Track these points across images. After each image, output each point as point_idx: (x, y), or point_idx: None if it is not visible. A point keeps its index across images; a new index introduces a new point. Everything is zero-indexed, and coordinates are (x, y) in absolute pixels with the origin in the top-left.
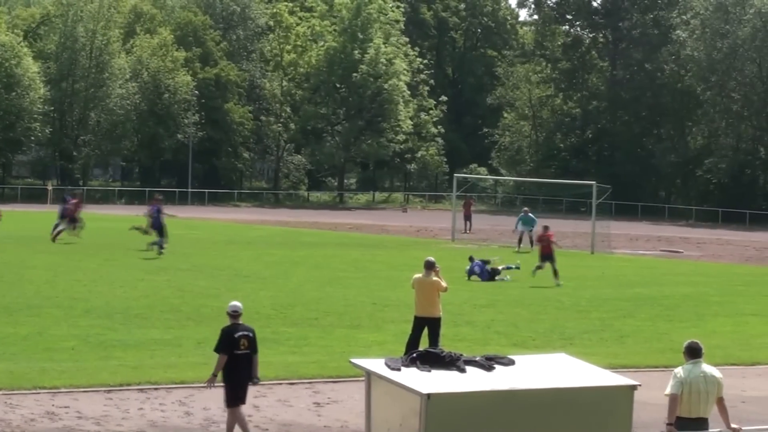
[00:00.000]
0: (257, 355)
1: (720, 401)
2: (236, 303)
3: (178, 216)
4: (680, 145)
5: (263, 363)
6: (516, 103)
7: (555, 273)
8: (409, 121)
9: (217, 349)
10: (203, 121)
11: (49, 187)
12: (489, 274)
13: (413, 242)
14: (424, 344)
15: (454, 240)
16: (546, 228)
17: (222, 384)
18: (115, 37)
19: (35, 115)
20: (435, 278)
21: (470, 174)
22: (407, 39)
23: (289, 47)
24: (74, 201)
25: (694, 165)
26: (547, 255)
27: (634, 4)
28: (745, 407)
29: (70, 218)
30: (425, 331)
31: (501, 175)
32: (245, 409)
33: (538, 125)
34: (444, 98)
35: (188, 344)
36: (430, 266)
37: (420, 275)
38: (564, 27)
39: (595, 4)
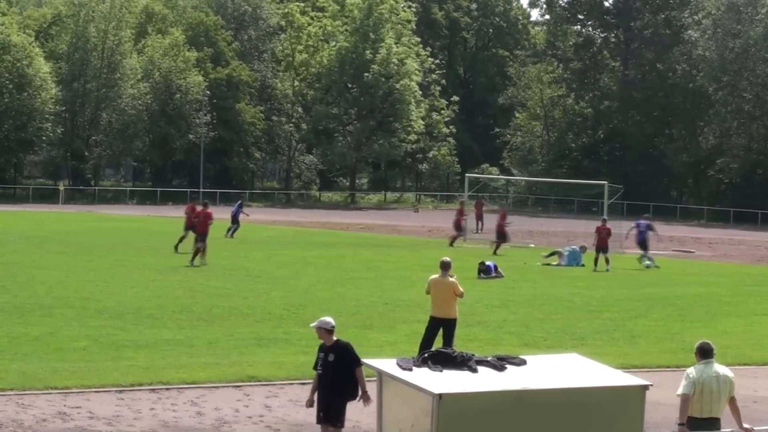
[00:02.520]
0: None
1: (732, 401)
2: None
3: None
4: (692, 145)
5: (275, 363)
6: (527, 103)
7: (607, 261)
8: (420, 121)
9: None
10: (215, 121)
11: (61, 188)
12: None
13: (425, 242)
14: (437, 345)
15: (465, 240)
16: (605, 221)
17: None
18: (127, 37)
19: (47, 116)
20: (452, 279)
21: (482, 174)
22: (419, 39)
23: (300, 47)
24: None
25: (706, 165)
26: (603, 247)
27: (645, 4)
28: (757, 407)
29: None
30: (439, 331)
31: (512, 175)
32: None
33: (549, 125)
34: (455, 98)
35: (200, 344)
36: (446, 266)
37: (436, 276)
38: (576, 27)
39: (606, 4)
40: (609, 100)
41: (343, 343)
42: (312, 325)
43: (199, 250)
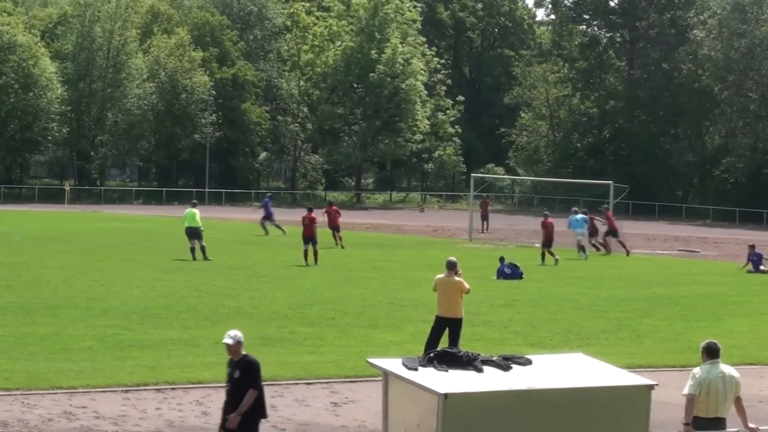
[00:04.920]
0: None
1: (738, 401)
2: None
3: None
4: (697, 145)
5: (280, 363)
6: (533, 102)
7: (551, 255)
8: (426, 121)
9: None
10: (220, 121)
11: (67, 188)
12: (520, 273)
13: (430, 242)
14: (443, 345)
15: (471, 240)
16: (546, 215)
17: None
18: (132, 37)
19: (52, 115)
20: (457, 278)
21: (487, 174)
22: (424, 39)
23: (306, 47)
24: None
25: (712, 165)
26: (549, 241)
27: (651, 4)
28: (763, 407)
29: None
30: (445, 331)
31: (518, 174)
32: None
33: (555, 125)
34: (461, 98)
35: (205, 344)
36: (452, 266)
37: (442, 275)
38: (581, 27)
39: (612, 3)
40: (614, 100)
41: (249, 360)
42: (224, 339)
43: (308, 252)
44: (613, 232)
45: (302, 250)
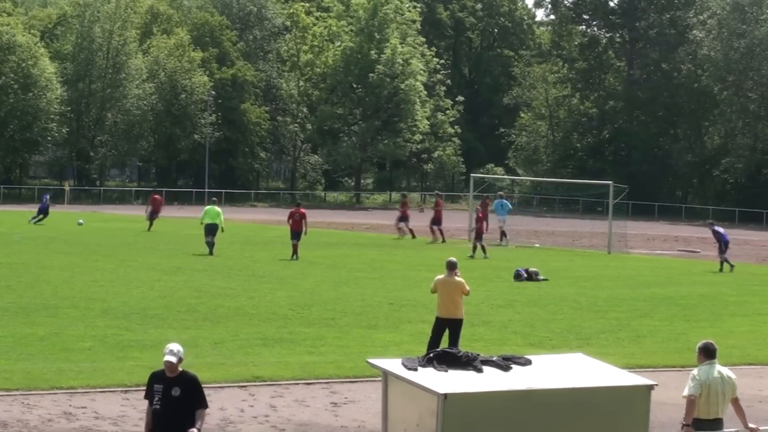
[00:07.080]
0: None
1: (736, 402)
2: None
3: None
4: (697, 145)
5: (280, 363)
6: (533, 103)
7: (483, 249)
8: (425, 121)
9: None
10: (220, 121)
11: (66, 188)
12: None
13: (430, 242)
14: (443, 345)
15: (470, 240)
16: (478, 210)
17: None
18: (132, 37)
19: (52, 116)
20: (458, 279)
21: (487, 174)
22: (424, 39)
23: (305, 47)
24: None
25: (711, 165)
26: (479, 235)
27: (650, 4)
28: (762, 407)
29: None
30: (445, 331)
31: (518, 175)
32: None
33: (554, 125)
34: (461, 98)
35: (205, 344)
36: (452, 267)
37: (442, 276)
38: (581, 27)
39: (612, 4)
40: (614, 100)
41: (191, 376)
42: (168, 357)
43: (297, 247)
44: (436, 220)
45: (291, 245)
